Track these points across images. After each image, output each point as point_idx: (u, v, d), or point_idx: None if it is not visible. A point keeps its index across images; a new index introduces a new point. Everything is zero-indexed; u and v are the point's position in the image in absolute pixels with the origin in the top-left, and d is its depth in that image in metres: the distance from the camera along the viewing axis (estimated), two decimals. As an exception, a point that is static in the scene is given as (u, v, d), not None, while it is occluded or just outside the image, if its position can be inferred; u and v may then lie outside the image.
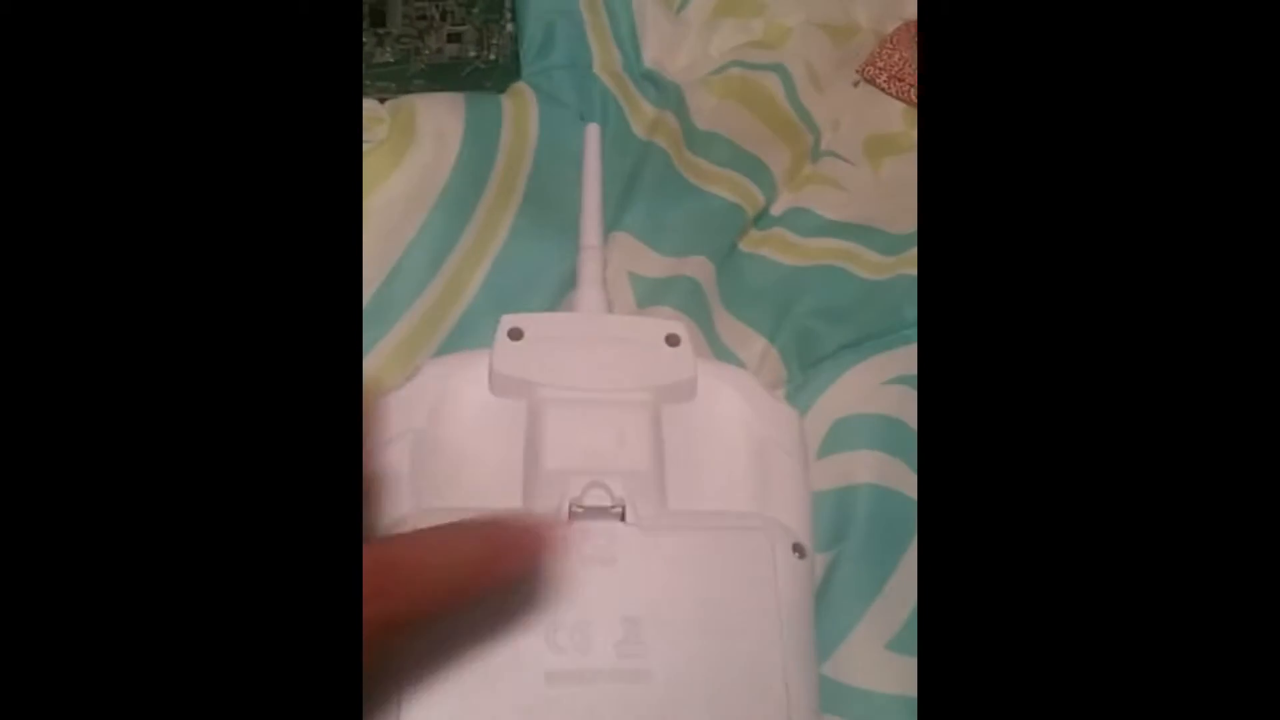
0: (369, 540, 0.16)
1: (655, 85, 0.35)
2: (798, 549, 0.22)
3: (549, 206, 0.32)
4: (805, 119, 0.35)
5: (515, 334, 0.23)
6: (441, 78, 0.35)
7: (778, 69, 0.35)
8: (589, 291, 0.26)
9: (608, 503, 0.21)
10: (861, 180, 0.33)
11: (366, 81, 0.35)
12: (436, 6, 0.37)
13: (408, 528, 0.20)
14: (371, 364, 0.27)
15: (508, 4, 0.37)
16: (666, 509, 0.22)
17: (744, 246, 0.31)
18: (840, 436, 0.26)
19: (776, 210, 0.33)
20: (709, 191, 0.32)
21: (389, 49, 0.36)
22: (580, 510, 0.21)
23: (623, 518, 0.21)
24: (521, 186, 0.32)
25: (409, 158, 0.31)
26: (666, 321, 0.24)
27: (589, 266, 0.26)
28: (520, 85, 0.34)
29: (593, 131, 0.29)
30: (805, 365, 0.28)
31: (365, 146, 0.31)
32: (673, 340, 0.24)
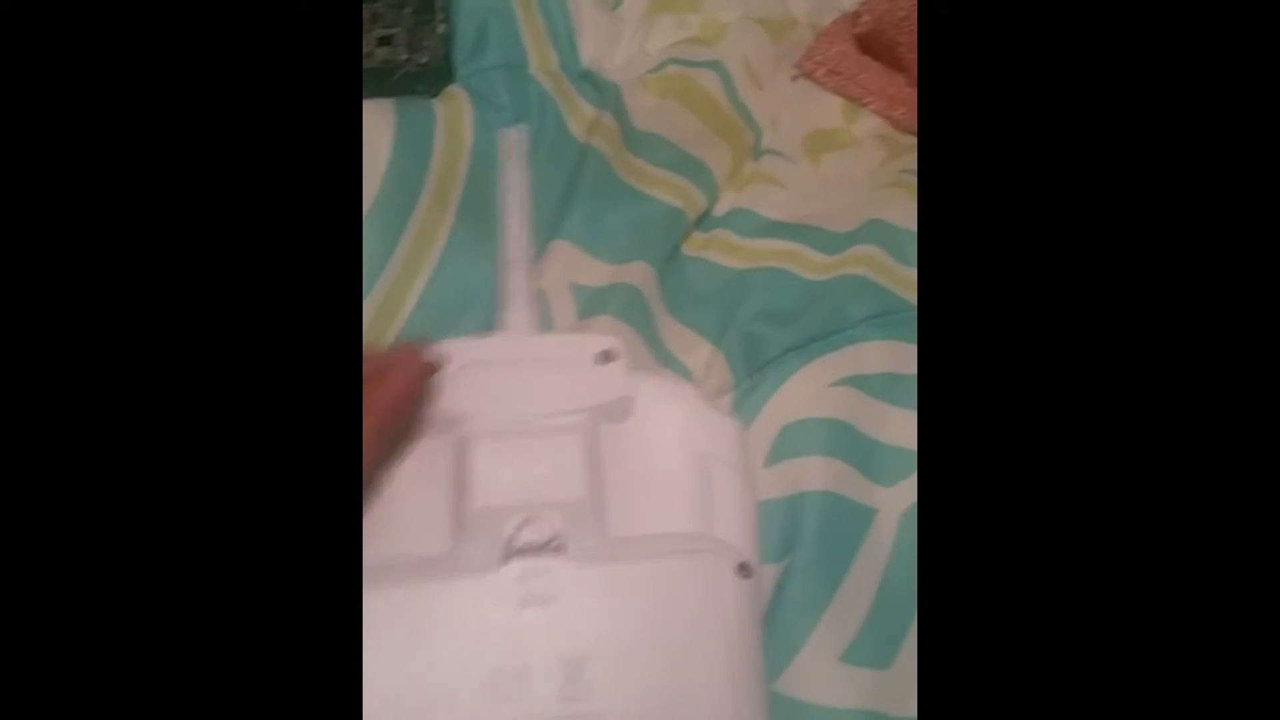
0: None
1: (594, 85, 0.34)
2: (743, 569, 0.21)
3: (487, 214, 0.31)
4: (745, 117, 0.34)
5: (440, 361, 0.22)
6: (373, 83, 0.34)
7: (716, 66, 0.35)
8: (516, 310, 0.25)
9: (544, 538, 0.21)
10: (802, 177, 0.33)
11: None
12: (367, 8, 0.36)
13: None
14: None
15: (440, 4, 0.36)
16: (607, 537, 0.21)
17: (687, 250, 0.31)
18: (789, 442, 0.26)
19: (719, 211, 0.32)
20: (649, 195, 0.31)
21: (317, 54, 0.35)
22: (514, 549, 0.20)
23: (561, 551, 0.21)
24: (457, 195, 0.31)
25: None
26: (598, 338, 0.24)
27: (514, 282, 0.26)
28: (454, 89, 0.34)
29: (510, 137, 0.28)
30: (751, 369, 0.28)
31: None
32: (605, 357, 0.23)
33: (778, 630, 0.24)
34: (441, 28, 0.36)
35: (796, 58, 0.37)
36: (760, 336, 0.28)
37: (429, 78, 0.35)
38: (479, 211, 0.31)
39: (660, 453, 0.23)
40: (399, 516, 0.21)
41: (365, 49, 0.35)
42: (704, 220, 0.32)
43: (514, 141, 0.27)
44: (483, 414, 0.22)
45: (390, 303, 0.28)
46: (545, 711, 0.19)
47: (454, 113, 0.33)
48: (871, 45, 0.36)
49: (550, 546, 0.21)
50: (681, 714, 0.20)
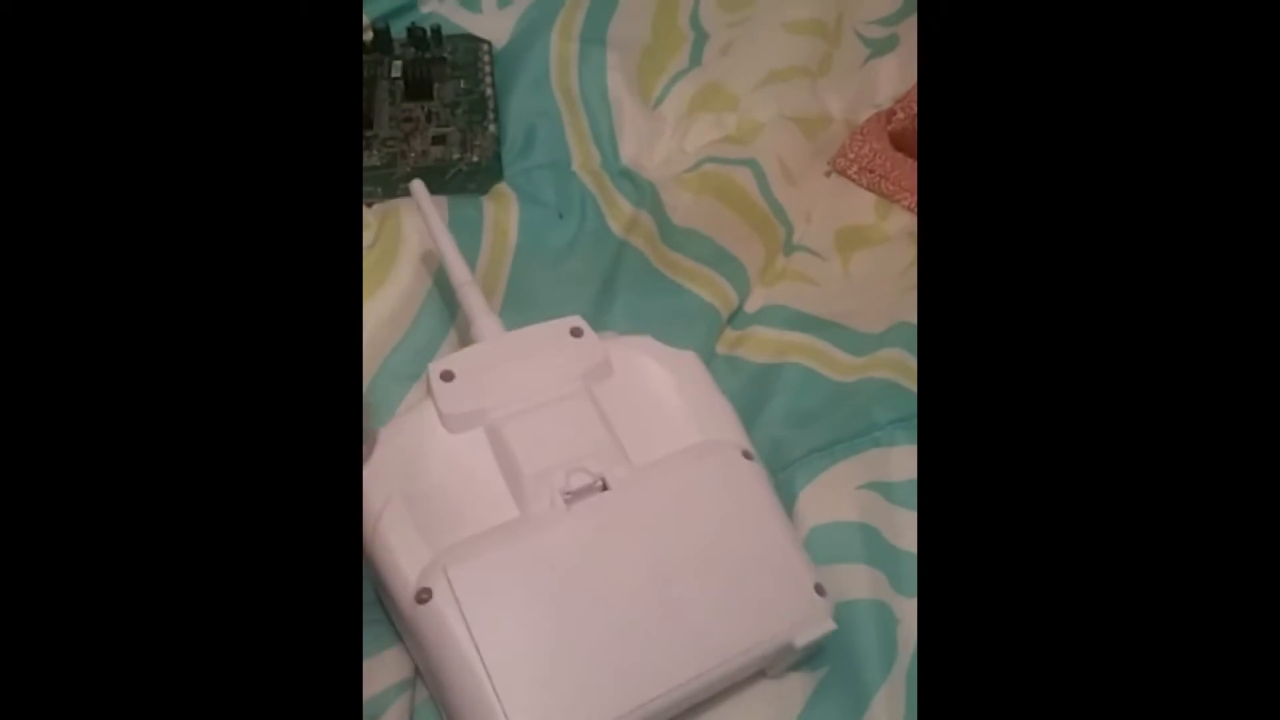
0: None
1: (632, 183, 0.36)
2: (747, 454, 0.26)
3: (530, 302, 0.33)
4: (778, 213, 0.36)
5: (447, 376, 0.26)
6: (426, 180, 0.37)
7: (750, 164, 0.36)
8: (484, 320, 0.28)
9: (590, 481, 0.24)
10: (832, 275, 0.34)
11: (353, 187, 0.36)
12: (422, 108, 0.39)
13: (436, 572, 0.23)
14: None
15: (491, 105, 0.38)
16: (634, 467, 0.25)
17: (720, 348, 0.32)
18: (819, 546, 0.26)
19: (751, 307, 0.33)
20: (686, 288, 0.33)
21: (375, 152, 0.37)
22: (570, 496, 0.24)
23: (605, 487, 0.24)
24: (503, 285, 0.33)
25: (396, 268, 0.32)
26: (565, 320, 0.28)
27: (472, 300, 0.29)
28: (501, 186, 0.36)
29: (416, 186, 0.31)
30: (775, 469, 0.28)
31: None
32: (576, 332, 0.27)
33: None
34: (492, 128, 0.38)
35: (831, 154, 0.38)
36: (784, 439, 0.29)
37: (480, 176, 0.37)
38: (523, 299, 0.33)
39: (646, 393, 0.27)
40: (468, 502, 0.24)
41: (420, 147, 0.37)
42: (736, 317, 0.33)
43: (417, 187, 0.31)
44: (500, 403, 0.26)
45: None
46: (648, 616, 0.23)
47: (501, 209, 0.34)
48: (905, 142, 0.37)
49: (596, 486, 0.24)
50: (757, 575, 0.24)
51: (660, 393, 0.27)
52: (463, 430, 0.25)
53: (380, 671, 0.24)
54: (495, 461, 0.25)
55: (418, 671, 0.24)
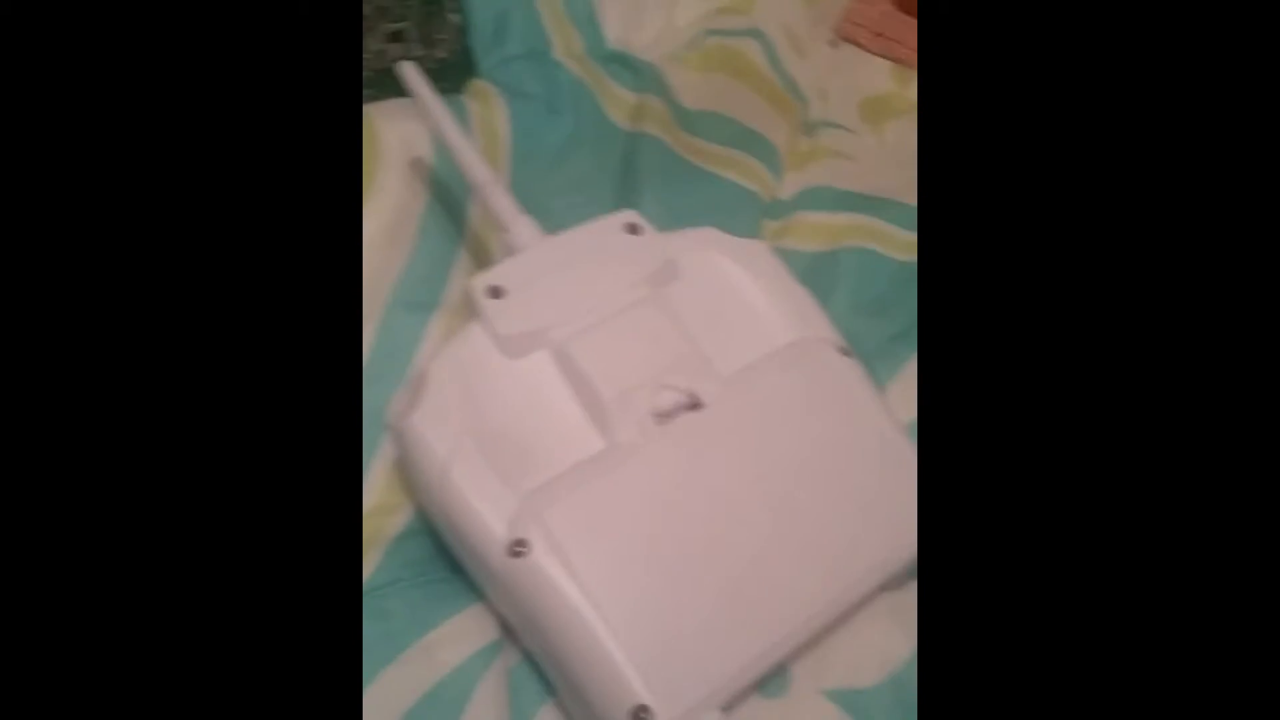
0: None
1: (628, 68, 0.32)
2: (844, 350, 0.23)
3: (541, 209, 0.28)
4: (791, 88, 0.32)
5: (495, 292, 0.22)
6: (390, 84, 0.32)
7: (755, 34, 0.33)
8: (520, 225, 0.24)
9: (680, 398, 0.21)
10: (867, 148, 0.32)
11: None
12: (370, 3, 0.33)
13: (528, 520, 0.20)
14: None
15: (448, -8, 0.34)
16: (724, 378, 0.22)
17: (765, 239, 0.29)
18: None
19: (787, 194, 0.30)
20: (716, 174, 0.30)
21: (325, 56, 0.32)
22: (660, 416, 0.21)
23: (696, 404, 0.21)
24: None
25: (379, 180, 0.27)
26: (618, 216, 0.24)
27: (501, 202, 0.24)
28: (482, 84, 0.31)
29: (406, 69, 0.26)
30: (856, 363, 0.26)
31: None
32: (632, 229, 0.24)
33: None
34: (454, 18, 0.33)
35: (834, 21, 0.35)
36: (856, 330, 0.26)
37: (449, 73, 0.32)
38: (534, 209, 0.29)
39: (720, 292, 0.23)
40: (544, 436, 0.21)
41: (376, 47, 0.32)
42: (774, 205, 0.30)
43: (410, 72, 0.26)
44: (562, 319, 0.22)
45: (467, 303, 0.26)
46: (768, 544, 0.20)
47: (487, 109, 0.30)
48: (914, 4, 0.35)
49: (687, 403, 0.21)
50: (876, 484, 0.21)
51: (736, 290, 0.24)
52: (523, 354, 0.22)
53: (461, 636, 0.21)
54: (566, 386, 0.22)
55: (505, 631, 0.21)
